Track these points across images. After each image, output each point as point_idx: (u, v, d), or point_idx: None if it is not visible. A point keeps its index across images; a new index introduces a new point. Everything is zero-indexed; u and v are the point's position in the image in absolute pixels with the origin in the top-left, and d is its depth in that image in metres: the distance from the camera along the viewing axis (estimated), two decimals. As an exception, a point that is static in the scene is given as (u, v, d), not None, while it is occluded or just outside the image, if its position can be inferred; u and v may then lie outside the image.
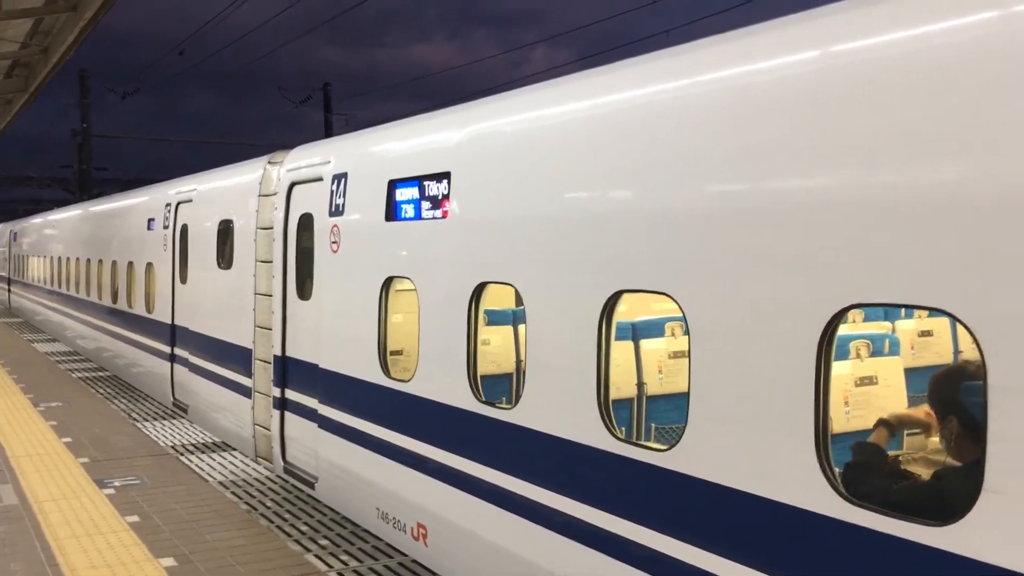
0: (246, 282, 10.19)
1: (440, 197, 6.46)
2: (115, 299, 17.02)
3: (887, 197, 3.44)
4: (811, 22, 4.09)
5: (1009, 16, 3.18)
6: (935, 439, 4.57)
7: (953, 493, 3.32)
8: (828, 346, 3.65)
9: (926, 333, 6.87)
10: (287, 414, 9.20)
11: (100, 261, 18.41)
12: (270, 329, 9.55)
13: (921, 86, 3.40)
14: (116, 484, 8.49)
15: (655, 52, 5.15)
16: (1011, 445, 3.01)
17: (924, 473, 4.08)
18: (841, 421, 5.03)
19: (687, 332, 4.33)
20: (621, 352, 6.50)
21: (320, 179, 8.46)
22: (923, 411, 4.35)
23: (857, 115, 3.62)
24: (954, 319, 3.24)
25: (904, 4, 3.65)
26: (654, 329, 6.95)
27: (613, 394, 4.96)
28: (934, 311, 3.38)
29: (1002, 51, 3.15)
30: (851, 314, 5.14)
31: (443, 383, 6.29)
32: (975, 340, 3.12)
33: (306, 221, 8.77)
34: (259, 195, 10.04)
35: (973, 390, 3.21)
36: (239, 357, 10.47)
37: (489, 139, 6.29)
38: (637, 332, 6.87)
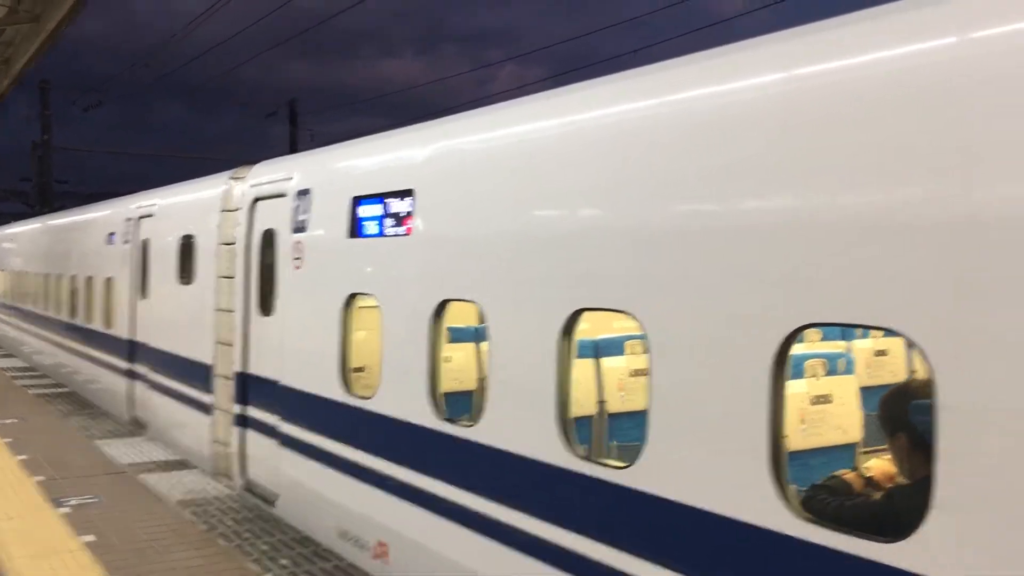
0: (207, 298, 10.11)
1: (404, 214, 6.47)
2: (73, 314, 16.79)
3: (841, 218, 3.52)
4: (775, 45, 4.18)
5: (968, 42, 3.28)
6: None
7: (903, 510, 3.38)
8: (783, 365, 3.71)
9: (881, 352, 6.98)
10: (248, 431, 9.12)
11: (59, 275, 18.16)
12: (231, 345, 9.47)
13: (878, 110, 3.49)
14: (72, 503, 8.36)
15: (611, 75, 5.22)
16: (959, 462, 3.08)
17: (876, 491, 4.14)
18: (797, 439, 5.10)
19: (647, 350, 4.37)
20: (583, 370, 6.54)
21: (283, 195, 8.43)
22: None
23: (813, 140, 3.70)
24: (905, 339, 3.31)
25: (861, 30, 3.75)
26: (615, 347, 7.00)
27: (574, 411, 4.99)
28: (887, 331, 3.45)
29: (965, 75, 3.23)
30: (808, 333, 5.24)
31: (405, 400, 6.28)
32: (925, 359, 3.19)
33: (269, 237, 8.73)
34: (222, 210, 9.99)
35: (923, 408, 3.28)
36: (199, 373, 10.37)
37: (453, 157, 6.32)
38: (598, 350, 6.91)
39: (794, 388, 5.07)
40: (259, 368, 8.88)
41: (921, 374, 3.29)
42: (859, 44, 3.66)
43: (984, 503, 3.02)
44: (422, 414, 6.07)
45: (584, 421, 6.52)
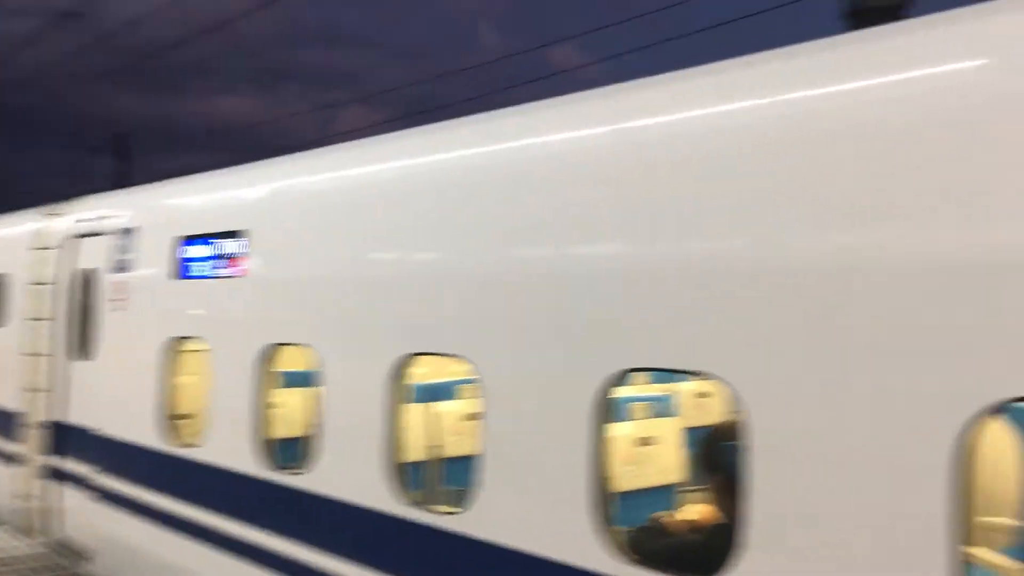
0: (18, 341, 9.46)
1: (234, 255, 6.29)
2: None
3: (660, 265, 3.68)
4: (595, 101, 4.37)
5: (750, 109, 3.53)
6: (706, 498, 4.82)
7: (721, 549, 3.51)
8: (603, 408, 3.82)
9: (703, 394, 7.27)
10: (62, 483, 8.54)
11: None
12: (44, 392, 8.89)
13: (676, 162, 3.70)
14: None
15: (447, 120, 5.31)
16: (771, 502, 3.24)
17: (696, 530, 4.29)
18: (621, 480, 5.23)
19: (479, 394, 4.41)
20: (418, 415, 6.51)
21: (106, 233, 8.04)
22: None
23: (625, 189, 3.88)
24: (721, 382, 3.47)
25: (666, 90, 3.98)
26: (450, 392, 7.00)
27: (408, 457, 4.96)
28: (704, 376, 3.61)
29: (761, 134, 3.47)
30: (635, 376, 5.41)
31: (233, 448, 6.05)
32: (740, 402, 3.36)
33: (89, 277, 8.28)
34: (37, 248, 9.41)
35: (738, 450, 3.43)
36: (7, 422, 9.65)
37: (286, 197, 6.22)
38: (433, 394, 6.90)
39: (619, 430, 5.22)
40: (75, 416, 8.35)
41: (735, 416, 3.45)
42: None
43: (794, 542, 3.18)
44: (251, 462, 5.86)
45: (418, 466, 6.47)
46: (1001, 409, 2.83)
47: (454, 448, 6.63)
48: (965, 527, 2.81)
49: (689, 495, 5.39)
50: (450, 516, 4.51)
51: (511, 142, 4.65)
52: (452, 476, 6.67)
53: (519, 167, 4.50)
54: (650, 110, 4.02)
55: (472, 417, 6.67)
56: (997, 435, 3.96)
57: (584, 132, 4.28)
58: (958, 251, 2.89)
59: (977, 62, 3.05)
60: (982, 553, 3.75)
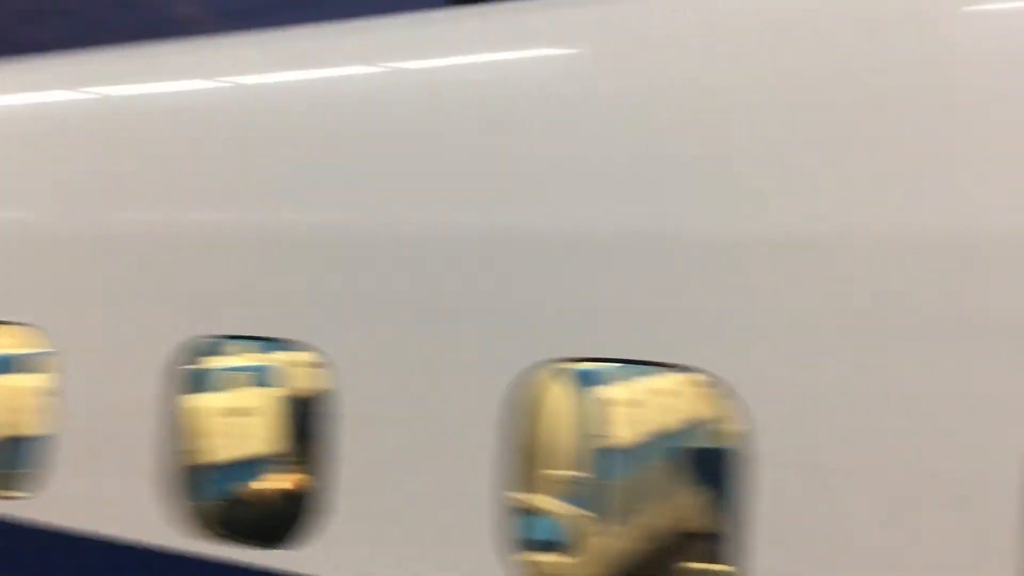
0: None
1: None
2: None
3: (232, 231, 3.63)
4: (188, 51, 4.19)
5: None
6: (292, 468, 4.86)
7: (308, 516, 3.56)
8: (179, 378, 3.70)
9: (302, 364, 7.26)
10: None
11: None
12: None
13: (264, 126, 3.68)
14: None
15: (27, 59, 4.79)
16: (350, 468, 3.33)
17: (281, 499, 4.31)
18: (206, 453, 5.09)
19: (46, 366, 4.04)
20: None
21: None
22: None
23: (197, 149, 3.78)
24: (308, 350, 3.49)
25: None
26: (21, 364, 6.33)
27: None
28: (285, 343, 3.60)
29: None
30: (233, 346, 5.27)
31: None
32: (329, 370, 3.40)
33: None
34: None
35: (326, 417, 3.48)
36: None
37: None
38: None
39: (210, 402, 5.07)
40: None
41: (326, 384, 3.50)
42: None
43: (375, 506, 3.29)
44: None
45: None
46: (550, 369, 3.16)
47: (21, 427, 6.02)
48: (517, 476, 3.11)
49: (281, 465, 5.38)
50: (11, 501, 4.10)
51: (81, 89, 4.30)
52: (20, 458, 6.06)
53: (93, 117, 4.18)
54: (237, 69, 3.93)
55: (43, 392, 6.11)
56: (550, 393, 4.41)
57: (167, 85, 4.06)
58: (519, 226, 3.16)
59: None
60: (536, 500, 4.18)
